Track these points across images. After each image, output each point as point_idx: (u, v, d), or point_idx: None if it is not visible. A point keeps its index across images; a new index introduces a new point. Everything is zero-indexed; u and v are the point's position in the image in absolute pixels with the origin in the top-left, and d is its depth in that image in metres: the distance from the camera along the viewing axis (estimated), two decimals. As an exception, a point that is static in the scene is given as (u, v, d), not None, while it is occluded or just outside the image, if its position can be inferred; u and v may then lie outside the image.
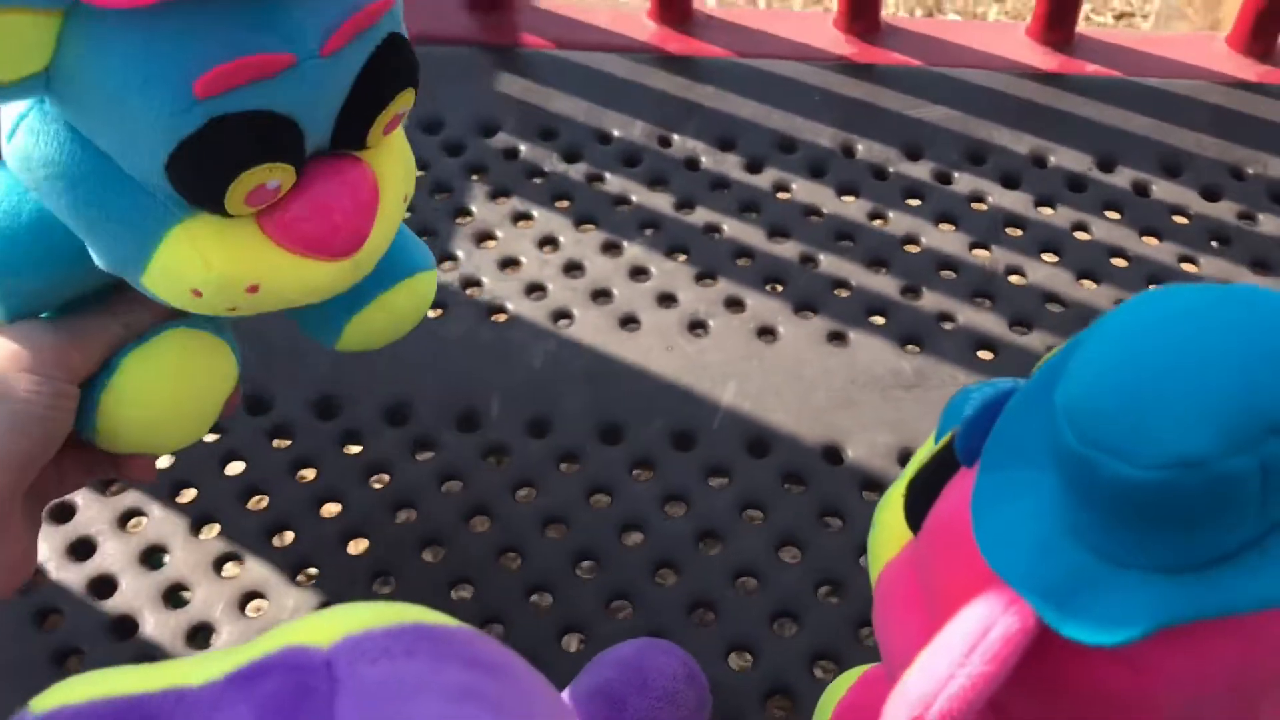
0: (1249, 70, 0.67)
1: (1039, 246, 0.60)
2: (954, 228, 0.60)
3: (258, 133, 0.32)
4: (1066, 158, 0.63)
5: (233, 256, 0.34)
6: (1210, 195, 0.62)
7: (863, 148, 0.64)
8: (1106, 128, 0.65)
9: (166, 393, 0.39)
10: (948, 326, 0.56)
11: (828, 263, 0.59)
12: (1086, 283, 0.58)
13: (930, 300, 0.57)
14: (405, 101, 0.35)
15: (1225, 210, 0.61)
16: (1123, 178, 0.63)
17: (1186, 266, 0.59)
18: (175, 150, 0.32)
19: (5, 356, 0.37)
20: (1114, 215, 0.61)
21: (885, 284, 0.58)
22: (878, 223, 0.61)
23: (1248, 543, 0.22)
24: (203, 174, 0.33)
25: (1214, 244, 0.60)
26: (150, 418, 0.39)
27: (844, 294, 0.58)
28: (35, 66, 0.32)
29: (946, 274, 0.58)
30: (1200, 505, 0.21)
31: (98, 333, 0.38)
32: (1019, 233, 0.60)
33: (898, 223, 0.61)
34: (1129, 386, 0.22)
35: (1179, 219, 0.61)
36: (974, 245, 0.60)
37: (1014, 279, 0.58)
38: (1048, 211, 0.61)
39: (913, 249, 0.60)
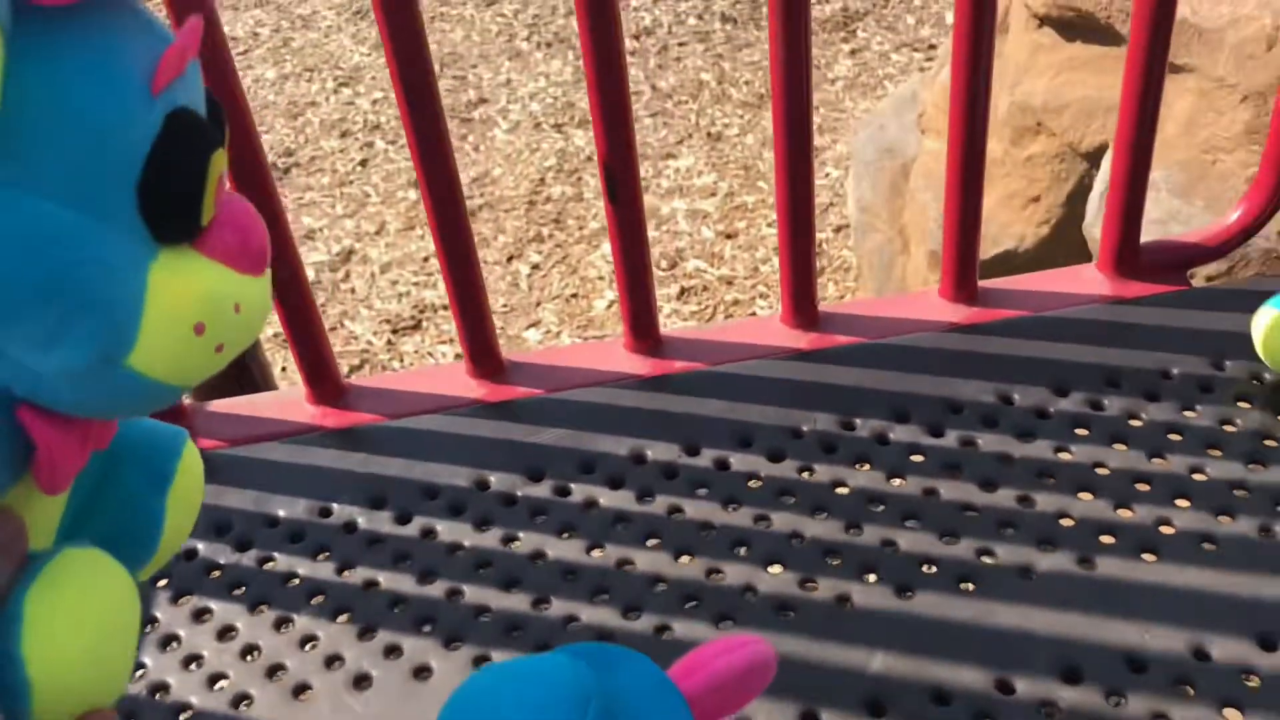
0: (801, 340, 0.82)
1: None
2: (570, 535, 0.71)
3: (201, 123, 0.34)
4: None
5: (212, 277, 0.34)
6: (774, 457, 0.74)
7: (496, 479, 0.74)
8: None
9: (91, 614, 0.35)
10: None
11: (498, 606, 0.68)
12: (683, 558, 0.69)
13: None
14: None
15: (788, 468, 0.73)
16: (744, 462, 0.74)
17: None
18: (149, 157, 0.32)
19: None
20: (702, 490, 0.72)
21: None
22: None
23: None
24: (178, 177, 0.33)
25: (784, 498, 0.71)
26: (88, 644, 0.35)
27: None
28: None
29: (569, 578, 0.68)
30: None
31: None
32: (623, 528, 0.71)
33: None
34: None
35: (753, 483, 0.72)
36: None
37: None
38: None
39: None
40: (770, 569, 0.66)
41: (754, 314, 2.34)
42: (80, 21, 0.31)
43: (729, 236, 2.60)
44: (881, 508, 0.69)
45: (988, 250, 1.86)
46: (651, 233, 2.63)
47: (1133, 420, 0.73)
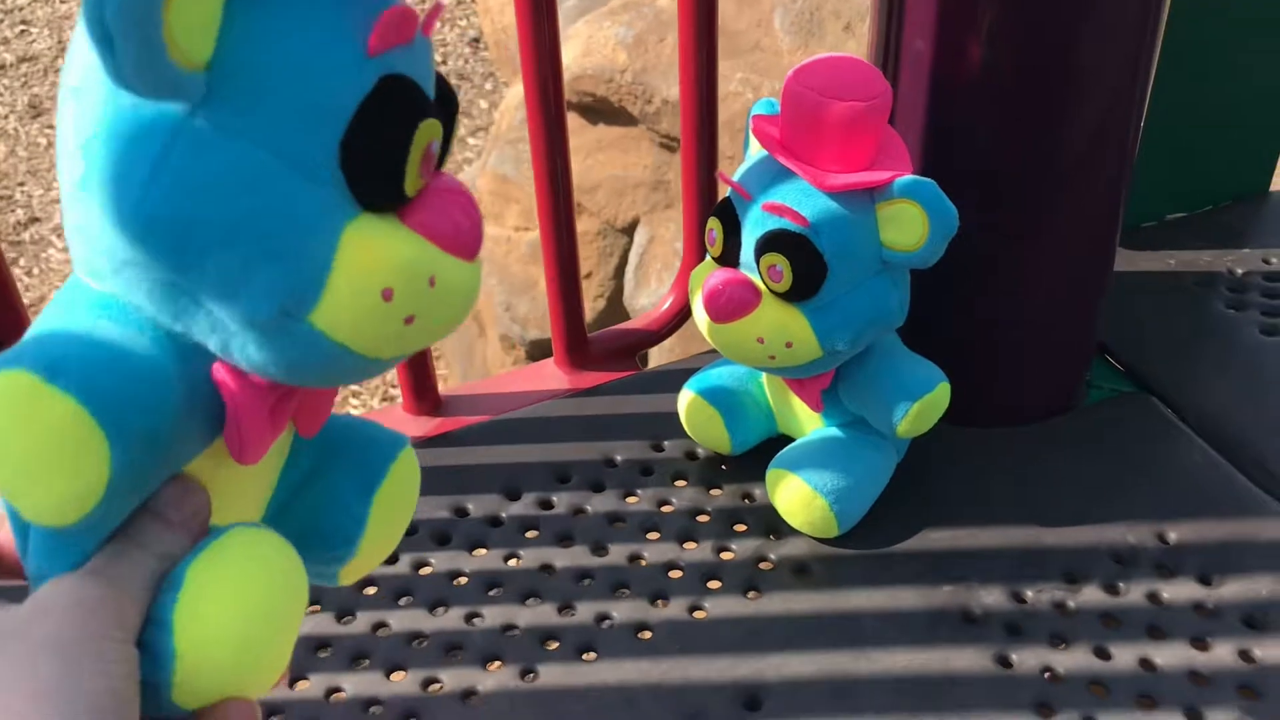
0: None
1: None
2: None
3: (416, 92, 0.33)
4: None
5: (409, 245, 0.33)
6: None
7: None
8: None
9: (251, 594, 0.34)
10: None
11: None
12: None
13: None
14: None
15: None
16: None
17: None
18: (354, 116, 0.32)
19: (58, 620, 0.30)
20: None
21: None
22: None
23: None
24: (383, 138, 0.32)
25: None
26: (238, 631, 0.33)
27: None
28: (207, 51, 0.30)
29: None
30: None
31: (136, 573, 0.32)
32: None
33: None
34: None
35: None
36: None
37: None
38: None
39: None
40: None
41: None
42: None
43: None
44: (326, 651, 0.66)
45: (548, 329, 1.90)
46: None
47: (579, 514, 0.74)
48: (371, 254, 0.33)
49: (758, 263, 0.65)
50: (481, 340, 2.09)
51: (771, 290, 0.65)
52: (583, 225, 1.87)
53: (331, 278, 0.32)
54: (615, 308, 1.86)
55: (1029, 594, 0.68)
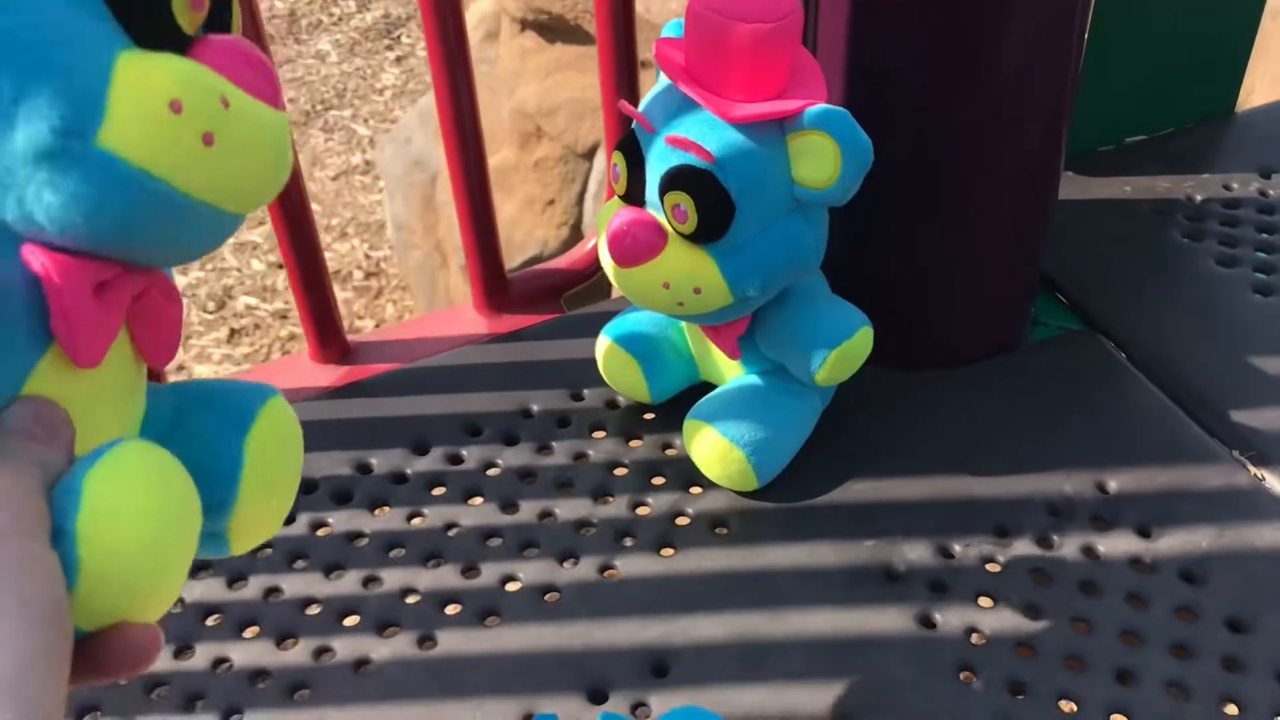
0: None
1: None
2: None
3: None
4: None
5: (191, 65, 0.33)
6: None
7: None
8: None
9: (154, 501, 0.33)
10: None
11: None
12: None
13: None
14: None
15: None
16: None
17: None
18: None
19: None
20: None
21: None
22: None
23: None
24: None
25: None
26: (144, 538, 0.32)
27: None
28: None
29: None
30: None
31: (31, 477, 0.31)
32: None
33: None
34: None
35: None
36: None
37: None
38: None
39: None
40: None
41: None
42: None
43: (281, 267, 2.47)
44: (213, 620, 0.63)
45: (514, 257, 1.86)
46: (196, 272, 2.46)
47: (490, 470, 0.70)
48: (151, 68, 0.33)
49: (662, 201, 0.60)
50: (444, 271, 2.04)
51: (677, 231, 0.60)
52: (543, 150, 1.81)
53: (112, 92, 0.32)
54: (579, 236, 1.80)
55: (956, 549, 0.64)
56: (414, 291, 2.15)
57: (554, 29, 1.70)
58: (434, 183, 2.05)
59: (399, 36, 3.15)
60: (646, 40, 1.55)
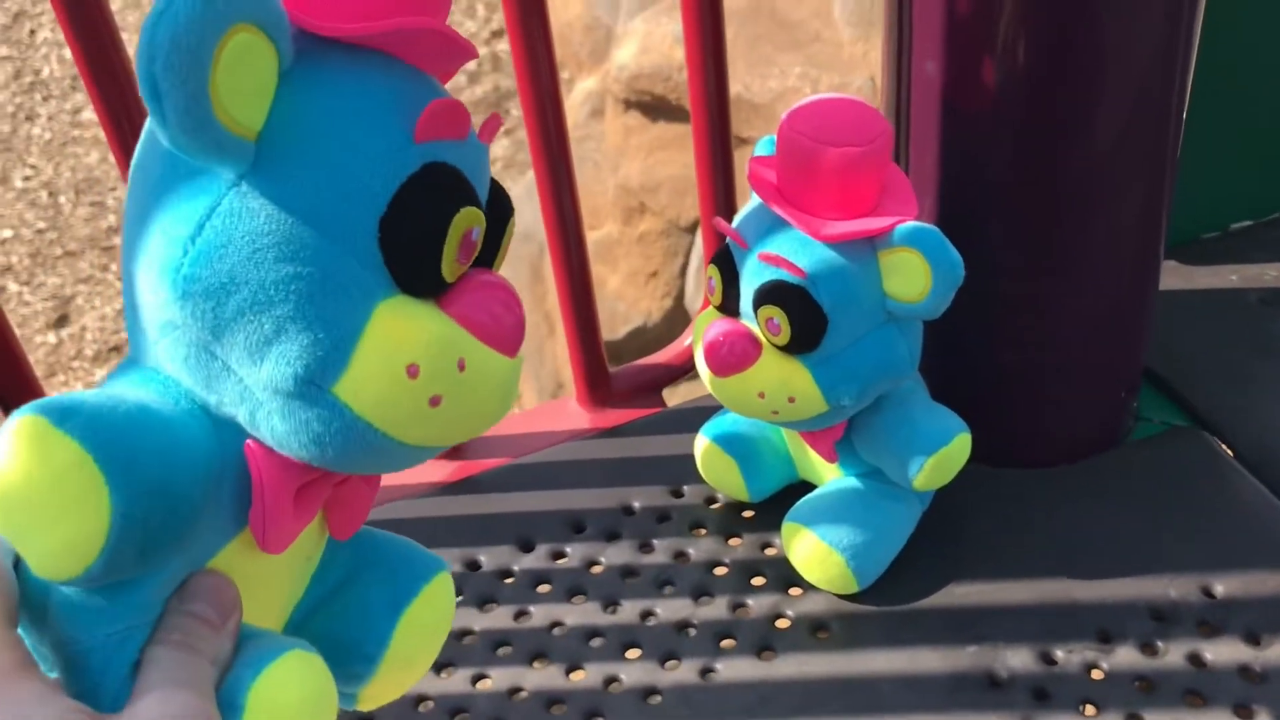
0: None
1: None
2: None
3: (459, 180, 0.34)
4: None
5: (440, 325, 0.34)
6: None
7: None
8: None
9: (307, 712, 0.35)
10: None
11: None
12: None
13: None
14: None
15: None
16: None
17: None
18: (395, 195, 0.33)
19: None
20: None
21: None
22: None
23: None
24: (421, 219, 0.33)
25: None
26: None
27: None
28: (258, 120, 0.32)
29: None
30: None
31: (208, 682, 0.33)
32: None
33: None
34: None
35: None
36: None
37: None
38: None
39: None
40: None
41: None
42: (355, 57, 0.33)
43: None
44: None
45: (619, 329, 1.89)
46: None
47: (593, 568, 0.72)
48: (400, 328, 0.33)
49: (756, 314, 0.62)
50: (551, 340, 2.08)
51: (771, 343, 0.62)
52: (646, 225, 1.85)
53: (358, 349, 0.33)
54: (682, 307, 1.83)
55: (1059, 654, 0.64)
56: (524, 359, 2.20)
57: (656, 108, 1.74)
58: (541, 254, 2.10)
59: (508, 109, 3.23)
60: (746, 119, 1.57)
